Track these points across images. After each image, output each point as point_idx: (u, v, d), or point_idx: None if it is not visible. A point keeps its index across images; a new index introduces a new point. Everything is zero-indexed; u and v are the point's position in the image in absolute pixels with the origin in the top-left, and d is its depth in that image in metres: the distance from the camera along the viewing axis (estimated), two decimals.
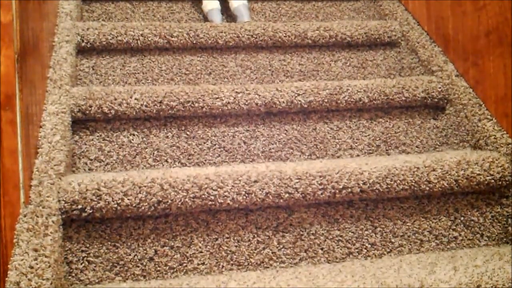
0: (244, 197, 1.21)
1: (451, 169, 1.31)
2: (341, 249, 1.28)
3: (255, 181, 1.21)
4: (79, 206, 1.13)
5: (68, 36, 1.58)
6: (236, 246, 1.23)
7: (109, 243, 1.18)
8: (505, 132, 1.44)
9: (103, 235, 1.17)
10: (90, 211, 1.14)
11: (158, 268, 1.19)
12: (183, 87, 1.46)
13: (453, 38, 1.65)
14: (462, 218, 1.35)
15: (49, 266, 1.00)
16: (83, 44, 1.64)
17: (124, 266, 1.18)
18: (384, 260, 1.25)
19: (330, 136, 1.54)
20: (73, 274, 1.15)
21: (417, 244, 1.31)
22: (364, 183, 1.26)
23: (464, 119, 1.54)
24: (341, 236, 1.28)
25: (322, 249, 1.27)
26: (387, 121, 1.58)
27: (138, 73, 1.66)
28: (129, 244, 1.18)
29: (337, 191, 1.25)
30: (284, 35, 1.75)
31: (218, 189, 1.19)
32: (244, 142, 1.49)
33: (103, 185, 1.15)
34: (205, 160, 1.46)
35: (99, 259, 1.17)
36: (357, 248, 1.28)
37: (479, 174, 1.32)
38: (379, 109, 1.58)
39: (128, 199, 1.15)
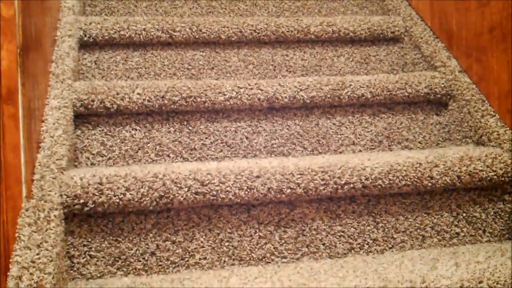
0: (246, 192, 1.21)
1: (454, 165, 1.31)
2: (343, 245, 1.28)
3: (257, 177, 1.21)
4: (81, 201, 1.13)
5: (71, 30, 1.58)
6: (238, 241, 1.23)
7: (111, 237, 1.18)
8: (508, 128, 1.43)
9: (105, 229, 1.17)
10: (92, 206, 1.14)
11: (160, 263, 1.19)
12: (186, 82, 1.46)
13: (457, 34, 1.64)
14: (464, 214, 1.35)
15: (51, 260, 1.00)
16: (85, 38, 1.64)
17: (125, 260, 1.18)
18: (386, 256, 1.25)
19: (333, 132, 1.53)
20: (75, 268, 1.16)
21: (419, 240, 1.31)
22: (366, 179, 1.26)
23: (467, 115, 1.54)
24: (343, 231, 1.28)
25: (324, 244, 1.27)
26: (389, 116, 1.58)
27: (141, 67, 1.66)
28: (130, 238, 1.18)
29: (339, 186, 1.25)
30: (287, 30, 1.75)
31: (220, 185, 1.19)
32: (246, 137, 1.49)
33: (105, 179, 1.15)
34: (207, 155, 1.46)
35: (101, 253, 1.17)
36: (359, 244, 1.28)
37: (481, 170, 1.32)
38: (382, 104, 1.58)
39: (130, 194, 1.15)
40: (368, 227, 1.29)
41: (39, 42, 1.28)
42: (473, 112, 1.51)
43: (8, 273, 0.98)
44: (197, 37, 1.69)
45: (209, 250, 1.21)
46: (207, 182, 1.18)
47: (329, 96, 1.51)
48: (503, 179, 1.34)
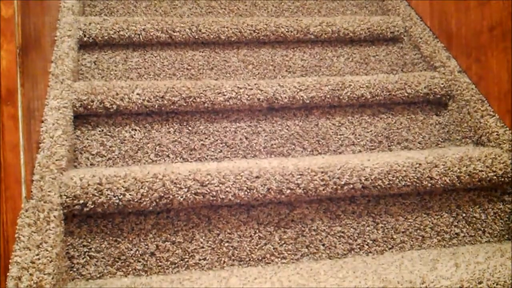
0: (246, 192, 1.21)
1: (453, 166, 1.31)
2: (342, 245, 1.28)
3: (257, 177, 1.21)
4: (81, 201, 1.13)
5: (70, 30, 1.58)
6: (237, 242, 1.23)
7: (111, 238, 1.18)
8: (507, 128, 1.43)
9: (104, 230, 1.17)
10: (92, 206, 1.14)
11: (160, 263, 1.19)
12: (185, 82, 1.46)
13: (456, 34, 1.64)
14: (464, 215, 1.35)
15: (51, 261, 1.00)
16: (85, 38, 1.63)
17: (125, 261, 1.18)
18: (385, 256, 1.25)
19: (332, 132, 1.53)
20: (75, 269, 1.16)
21: (418, 240, 1.31)
22: (366, 179, 1.26)
23: (466, 115, 1.54)
24: (342, 232, 1.28)
25: (323, 245, 1.27)
26: (389, 117, 1.58)
27: (140, 68, 1.65)
28: (130, 239, 1.18)
29: (339, 187, 1.25)
30: (287, 30, 1.75)
31: (220, 185, 1.19)
32: (246, 138, 1.49)
33: (105, 180, 1.15)
34: (207, 156, 1.46)
35: (100, 254, 1.17)
36: (358, 244, 1.28)
37: (481, 171, 1.32)
38: (382, 105, 1.58)
39: (130, 195, 1.15)
40: (368, 228, 1.29)
41: (39, 42, 1.28)
42: (473, 112, 1.51)
43: (7, 274, 0.98)
44: (196, 37, 1.69)
45: (208, 251, 1.21)
46: (207, 182, 1.18)
47: (328, 96, 1.51)
48: (502, 179, 1.34)
